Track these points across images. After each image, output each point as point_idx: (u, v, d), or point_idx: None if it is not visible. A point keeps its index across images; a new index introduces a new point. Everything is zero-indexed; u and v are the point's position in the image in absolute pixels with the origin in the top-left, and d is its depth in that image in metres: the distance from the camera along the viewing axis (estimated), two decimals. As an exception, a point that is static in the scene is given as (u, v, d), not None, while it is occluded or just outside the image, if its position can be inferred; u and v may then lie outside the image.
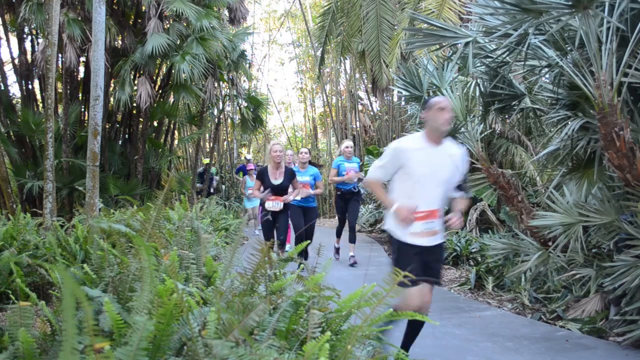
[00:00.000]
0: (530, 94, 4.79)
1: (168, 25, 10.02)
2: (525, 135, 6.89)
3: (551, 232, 4.10)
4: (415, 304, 2.65)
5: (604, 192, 3.87)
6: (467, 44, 4.23)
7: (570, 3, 3.38)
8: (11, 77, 10.64)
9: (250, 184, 9.53)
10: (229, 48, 10.90)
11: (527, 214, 4.56)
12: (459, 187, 2.86)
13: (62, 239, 4.50)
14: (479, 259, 6.34)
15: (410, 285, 2.06)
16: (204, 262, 2.46)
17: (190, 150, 17.05)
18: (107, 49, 8.22)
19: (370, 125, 16.05)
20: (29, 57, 9.94)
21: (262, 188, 5.40)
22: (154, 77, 10.73)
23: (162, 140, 12.07)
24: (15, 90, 11.20)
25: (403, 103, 11.03)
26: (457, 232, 7.47)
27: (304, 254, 7.32)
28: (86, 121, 8.99)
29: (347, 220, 6.83)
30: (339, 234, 7.07)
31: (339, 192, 6.83)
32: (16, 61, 9.88)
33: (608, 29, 3.53)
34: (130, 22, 10.61)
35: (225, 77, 12.11)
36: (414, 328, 2.88)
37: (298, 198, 5.73)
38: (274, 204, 5.32)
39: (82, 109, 10.17)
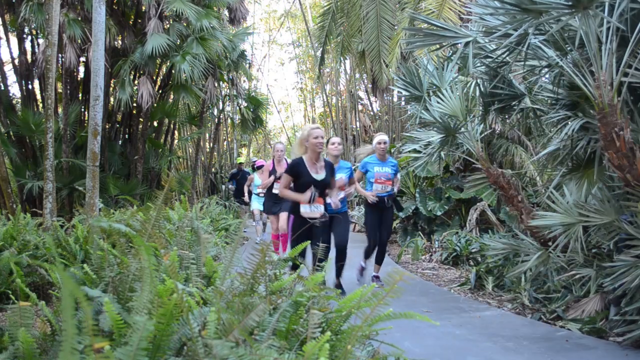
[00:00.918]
0: (530, 94, 4.79)
1: (168, 26, 10.03)
2: (525, 135, 6.89)
3: (551, 232, 4.10)
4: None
5: (604, 192, 3.87)
6: (467, 44, 4.23)
7: (570, 3, 3.38)
8: (11, 77, 10.67)
9: (259, 182, 8.62)
10: (229, 48, 10.91)
11: (527, 214, 4.56)
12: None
13: (62, 239, 4.50)
14: (479, 259, 6.34)
15: None
16: (204, 262, 2.46)
17: (190, 150, 17.06)
18: (107, 49, 8.22)
19: (370, 126, 16.04)
20: (29, 57, 9.94)
21: (292, 185, 4.20)
22: (154, 77, 10.73)
23: (162, 140, 12.07)
24: (15, 90, 11.23)
25: (403, 103, 11.04)
26: (457, 232, 7.47)
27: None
28: (86, 121, 8.99)
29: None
30: (368, 254, 5.54)
31: (370, 201, 5.32)
32: (16, 61, 9.88)
33: (608, 29, 3.53)
34: (130, 22, 10.61)
35: (225, 77, 12.11)
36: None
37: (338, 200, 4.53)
38: (313, 208, 4.00)
39: (82, 109, 10.18)
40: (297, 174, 4.11)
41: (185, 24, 10.03)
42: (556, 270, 4.34)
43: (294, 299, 1.85)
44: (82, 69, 10.37)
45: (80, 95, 10.40)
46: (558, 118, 4.46)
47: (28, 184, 8.76)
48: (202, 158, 16.34)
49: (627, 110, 3.83)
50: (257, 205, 8.85)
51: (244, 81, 15.89)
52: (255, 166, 9.30)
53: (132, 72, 9.98)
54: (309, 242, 2.89)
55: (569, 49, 3.92)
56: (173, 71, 9.61)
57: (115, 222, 2.19)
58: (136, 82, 10.09)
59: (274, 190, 6.31)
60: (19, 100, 10.61)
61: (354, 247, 5.50)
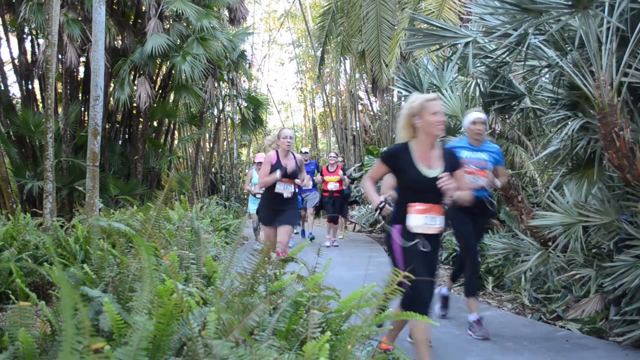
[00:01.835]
0: (530, 94, 4.79)
1: (168, 26, 10.03)
2: (525, 135, 6.89)
3: (551, 232, 4.10)
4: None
5: (604, 192, 3.87)
6: (467, 44, 4.23)
7: (570, 3, 3.38)
8: (11, 77, 10.66)
9: (257, 179, 7.57)
10: (229, 48, 10.91)
11: (527, 214, 4.56)
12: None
13: (62, 239, 4.50)
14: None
15: None
16: (204, 262, 2.46)
17: (190, 150, 17.06)
18: (107, 49, 8.22)
19: (370, 126, 16.05)
20: (29, 57, 9.94)
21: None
22: (154, 77, 10.74)
23: (162, 141, 12.07)
24: (15, 90, 11.22)
25: (403, 103, 11.04)
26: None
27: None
28: (86, 121, 8.99)
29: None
30: (455, 277, 4.42)
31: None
32: (16, 61, 9.88)
33: (608, 29, 3.53)
34: (130, 22, 10.61)
35: (225, 77, 12.12)
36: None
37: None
38: (431, 220, 2.70)
39: (82, 109, 10.18)
40: (400, 166, 2.73)
41: (185, 24, 10.03)
42: (556, 270, 4.34)
43: (294, 299, 1.85)
44: (82, 69, 10.37)
45: (80, 95, 10.40)
46: (558, 118, 4.46)
47: (28, 184, 8.76)
48: (202, 158, 16.35)
49: (627, 110, 3.83)
50: (253, 207, 7.81)
51: (244, 81, 15.89)
52: (255, 162, 8.50)
53: (132, 72, 9.98)
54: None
55: (569, 49, 3.92)
56: (173, 71, 9.61)
57: (115, 222, 2.19)
58: (136, 82, 10.09)
59: (279, 190, 4.79)
60: (19, 100, 10.61)
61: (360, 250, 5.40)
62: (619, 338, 3.54)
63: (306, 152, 9.52)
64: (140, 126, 10.76)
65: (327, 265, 2.45)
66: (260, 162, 7.42)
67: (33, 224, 5.38)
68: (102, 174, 8.80)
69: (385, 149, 10.98)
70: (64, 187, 9.05)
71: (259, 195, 7.17)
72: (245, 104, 12.92)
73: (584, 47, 3.72)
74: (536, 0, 3.41)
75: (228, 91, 13.34)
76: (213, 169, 16.94)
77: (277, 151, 4.93)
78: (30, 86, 10.13)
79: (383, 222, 5.16)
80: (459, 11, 9.38)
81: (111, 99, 10.25)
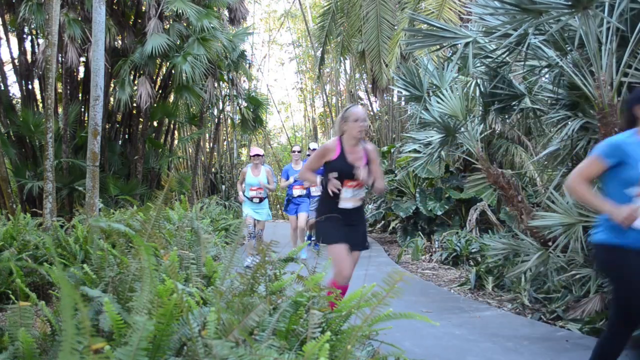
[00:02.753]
0: (530, 94, 4.79)
1: (168, 26, 10.03)
2: (525, 135, 6.89)
3: (551, 232, 4.10)
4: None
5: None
6: (467, 44, 4.24)
7: (570, 3, 3.38)
8: (11, 77, 10.66)
9: (253, 180, 6.58)
10: (229, 48, 10.92)
11: (527, 214, 4.56)
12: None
13: (62, 239, 4.50)
14: (479, 259, 6.34)
15: None
16: (204, 262, 2.46)
17: (190, 150, 17.06)
18: (107, 49, 8.22)
19: (370, 125, 16.03)
20: (29, 57, 9.94)
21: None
22: (154, 77, 10.74)
23: (162, 141, 12.07)
24: (15, 90, 11.22)
25: (403, 103, 11.04)
26: (457, 232, 7.47)
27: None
28: (86, 121, 8.99)
29: None
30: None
31: None
32: (16, 61, 9.88)
33: (608, 29, 3.53)
34: (130, 22, 10.61)
35: (225, 77, 12.12)
36: None
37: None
38: None
39: (82, 109, 10.18)
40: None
41: (185, 24, 10.03)
42: (556, 270, 4.34)
43: (294, 299, 1.85)
44: (82, 69, 10.37)
45: (80, 95, 10.40)
46: (558, 118, 4.46)
47: (28, 184, 8.76)
48: (202, 158, 16.34)
49: (627, 110, 3.82)
50: (249, 210, 6.63)
51: (244, 81, 15.89)
52: (251, 155, 6.97)
53: (132, 72, 9.98)
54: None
55: (569, 49, 3.92)
56: (174, 71, 9.61)
57: (115, 222, 2.19)
58: (136, 82, 10.09)
59: (345, 200, 3.28)
60: (19, 100, 10.61)
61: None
62: (619, 338, 3.54)
63: (315, 149, 8.62)
64: (140, 126, 10.76)
65: (327, 266, 2.45)
66: (257, 155, 6.65)
67: (33, 224, 5.39)
68: (102, 174, 8.80)
69: (385, 148, 10.99)
70: (64, 187, 9.05)
71: (256, 200, 6.60)
72: (245, 104, 12.92)
73: (584, 47, 3.72)
74: (536, 1, 3.41)
75: (228, 91, 13.34)
76: (213, 169, 16.94)
77: (340, 138, 3.34)
78: (30, 86, 10.13)
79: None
80: (459, 11, 9.38)
81: (111, 99, 10.25)
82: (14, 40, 10.01)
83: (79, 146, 9.62)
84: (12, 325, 1.72)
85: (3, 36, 9.89)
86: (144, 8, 10.00)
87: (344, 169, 3.25)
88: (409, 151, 5.96)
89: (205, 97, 10.68)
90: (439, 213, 8.14)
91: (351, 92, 15.97)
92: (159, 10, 9.46)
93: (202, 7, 10.00)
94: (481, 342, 3.59)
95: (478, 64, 4.88)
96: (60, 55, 9.06)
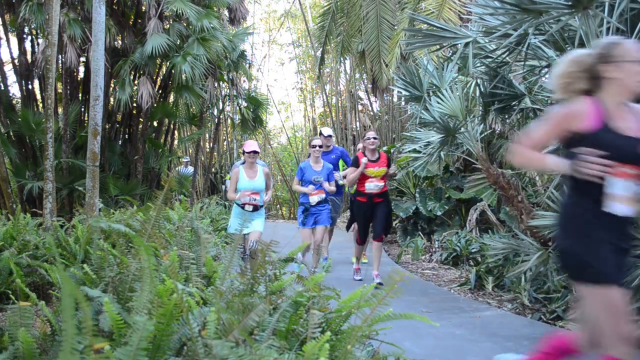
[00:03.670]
0: (530, 94, 4.79)
1: (168, 26, 10.03)
2: (525, 135, 6.87)
3: (551, 232, 4.10)
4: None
5: (604, 192, 3.86)
6: (467, 44, 4.24)
7: (570, 3, 3.38)
8: (11, 77, 10.66)
9: (247, 183, 5.23)
10: (229, 48, 10.91)
11: (527, 214, 4.56)
12: None
13: (62, 239, 4.51)
14: (479, 259, 6.34)
15: None
16: (204, 262, 2.46)
17: (190, 151, 17.06)
18: (107, 49, 8.22)
19: (370, 125, 16.03)
20: (29, 57, 9.94)
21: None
22: (154, 77, 10.74)
23: (162, 141, 12.07)
24: (15, 90, 11.21)
25: (403, 103, 11.04)
26: (457, 232, 7.47)
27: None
28: (86, 121, 8.99)
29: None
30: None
31: None
32: (16, 61, 9.88)
33: (608, 29, 3.53)
34: (130, 22, 10.61)
35: (225, 77, 12.12)
36: None
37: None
38: None
39: (82, 109, 10.17)
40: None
41: (185, 24, 10.03)
42: (556, 270, 4.34)
43: (294, 299, 1.85)
44: (82, 69, 10.37)
45: (80, 95, 10.40)
46: (558, 118, 4.45)
47: (28, 184, 8.75)
48: (202, 158, 16.34)
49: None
50: (238, 223, 5.25)
51: (244, 81, 15.89)
52: (244, 151, 5.41)
53: (132, 72, 9.98)
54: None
55: (569, 49, 3.92)
56: (174, 71, 9.61)
57: (115, 222, 2.19)
58: (136, 82, 10.09)
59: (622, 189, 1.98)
60: (19, 100, 10.61)
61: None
62: (619, 338, 3.54)
63: (330, 136, 6.84)
64: (140, 126, 10.75)
65: (327, 266, 2.44)
66: (255, 152, 5.24)
67: (33, 224, 5.38)
68: (102, 174, 8.79)
69: (385, 148, 10.99)
70: (64, 187, 9.05)
71: (249, 208, 5.15)
72: (245, 104, 12.92)
73: (584, 47, 3.71)
74: (536, 1, 3.41)
75: (228, 91, 13.34)
76: (213, 169, 16.94)
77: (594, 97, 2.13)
78: (30, 86, 10.13)
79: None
80: (459, 11, 9.38)
81: (111, 99, 10.25)
82: (14, 40, 10.01)
83: (79, 146, 9.62)
84: (12, 325, 1.72)
85: (3, 36, 9.89)
86: (144, 8, 9.99)
87: (619, 146, 1.98)
88: (409, 151, 5.96)
89: (205, 97, 10.68)
90: (439, 213, 8.14)
91: (351, 92, 15.96)
92: (159, 10, 9.46)
93: (202, 7, 10.00)
94: (481, 342, 3.60)
95: (478, 64, 4.88)
96: (60, 55, 9.06)
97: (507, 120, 5.36)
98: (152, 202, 2.83)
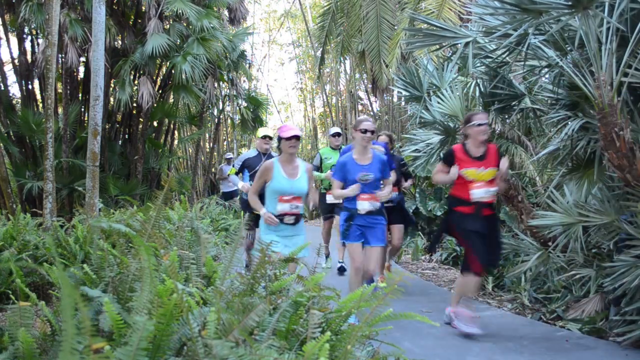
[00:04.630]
0: (530, 94, 4.79)
1: (168, 26, 10.03)
2: (525, 135, 6.88)
3: (551, 232, 4.10)
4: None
5: (604, 192, 3.87)
6: (467, 44, 4.23)
7: (570, 3, 3.37)
8: (11, 77, 10.67)
9: (286, 184, 3.61)
10: (229, 48, 10.92)
11: (527, 214, 4.56)
12: None
13: (62, 239, 4.50)
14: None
15: None
16: (204, 262, 2.46)
17: (190, 151, 17.06)
18: (107, 49, 8.22)
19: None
20: (29, 57, 9.94)
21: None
22: (154, 77, 10.74)
23: (162, 141, 12.08)
24: (15, 90, 11.23)
25: (403, 103, 11.04)
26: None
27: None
28: (86, 121, 8.99)
29: None
30: None
31: None
32: (16, 61, 9.89)
33: (608, 29, 3.53)
34: (130, 22, 10.61)
35: (225, 77, 12.12)
36: None
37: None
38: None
39: (82, 109, 10.18)
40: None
41: (185, 24, 10.03)
42: (556, 270, 4.34)
43: (294, 299, 1.85)
44: (82, 69, 10.37)
45: (80, 95, 10.40)
46: (558, 118, 4.46)
47: (28, 184, 8.76)
48: (202, 158, 16.34)
49: (627, 110, 3.83)
50: (278, 239, 3.37)
51: (244, 81, 15.90)
52: (278, 137, 3.81)
53: (132, 72, 9.98)
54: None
55: (569, 49, 3.92)
56: (173, 71, 9.62)
57: (115, 222, 2.19)
58: (136, 82, 10.09)
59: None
60: (19, 100, 10.62)
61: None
62: (619, 338, 3.54)
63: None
64: (140, 126, 10.76)
65: (327, 266, 2.44)
66: (297, 137, 3.57)
67: (33, 224, 5.38)
68: (102, 174, 8.80)
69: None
70: (64, 187, 9.05)
71: (290, 220, 3.58)
72: (245, 104, 12.93)
73: (584, 47, 3.71)
74: (536, 1, 3.41)
75: (228, 91, 13.34)
76: (213, 169, 16.94)
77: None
78: (30, 86, 10.14)
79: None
80: (459, 11, 9.38)
81: (111, 99, 10.26)
82: (14, 40, 10.02)
83: (79, 146, 9.62)
84: (12, 325, 1.72)
85: (3, 36, 9.90)
86: (144, 8, 10.00)
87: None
88: (409, 151, 5.95)
89: (204, 97, 10.68)
90: (439, 213, 8.13)
91: (351, 92, 15.97)
92: (159, 11, 9.46)
93: (202, 7, 10.01)
94: (481, 342, 3.59)
95: (478, 64, 4.88)
96: (60, 55, 9.06)
97: (507, 120, 5.36)
98: (152, 202, 2.84)
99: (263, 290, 2.04)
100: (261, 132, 5.48)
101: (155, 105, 10.40)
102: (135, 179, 10.31)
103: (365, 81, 15.22)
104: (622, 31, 3.59)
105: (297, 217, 3.62)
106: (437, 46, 4.83)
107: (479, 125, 3.72)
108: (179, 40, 9.81)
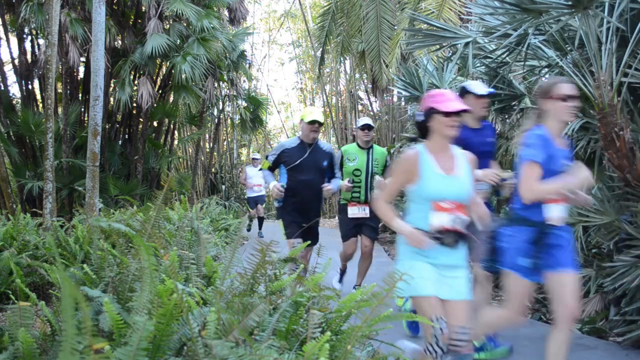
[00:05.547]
0: (530, 94, 4.79)
1: (168, 26, 10.03)
2: (525, 136, 6.88)
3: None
4: None
5: (604, 192, 3.87)
6: (466, 44, 4.23)
7: (570, 3, 3.37)
8: (11, 77, 10.67)
9: (445, 184, 2.34)
10: (229, 48, 10.92)
11: (527, 214, 4.55)
12: None
13: (62, 239, 4.50)
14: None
15: None
16: (204, 262, 2.46)
17: (190, 151, 17.06)
18: (107, 49, 8.22)
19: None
20: (29, 57, 9.94)
21: None
22: (154, 77, 10.74)
23: (162, 141, 12.08)
24: (15, 90, 11.23)
25: (403, 103, 11.04)
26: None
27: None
28: (86, 121, 8.99)
29: None
30: None
31: None
32: (16, 61, 9.89)
33: (608, 29, 3.53)
34: (130, 22, 10.61)
35: (225, 77, 12.12)
36: None
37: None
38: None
39: (82, 109, 10.18)
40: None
41: (185, 24, 10.03)
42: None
43: (294, 299, 1.85)
44: (82, 69, 10.37)
45: (80, 95, 10.40)
46: (558, 118, 4.45)
47: (28, 184, 8.75)
48: (202, 158, 16.34)
49: (627, 110, 3.83)
50: (432, 275, 2.34)
51: (244, 81, 15.89)
52: (427, 111, 2.42)
53: (132, 72, 9.98)
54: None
55: (569, 49, 3.92)
56: (173, 71, 9.61)
57: (115, 222, 2.19)
58: (136, 82, 10.09)
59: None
60: (19, 100, 10.62)
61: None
62: (619, 338, 3.55)
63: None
64: (140, 126, 10.76)
65: (327, 266, 2.45)
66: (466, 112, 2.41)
67: (33, 224, 5.38)
68: (102, 174, 8.80)
69: (385, 148, 10.98)
70: (64, 187, 9.05)
71: (450, 242, 2.33)
72: (245, 104, 12.93)
73: (584, 47, 3.71)
74: (536, 1, 3.41)
75: (228, 91, 13.34)
76: (213, 169, 16.94)
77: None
78: (30, 86, 10.13)
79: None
80: (459, 11, 9.38)
81: (111, 99, 10.26)
82: (14, 40, 10.02)
83: (79, 146, 9.62)
84: (12, 325, 1.72)
85: (3, 36, 9.90)
86: (144, 8, 9.99)
87: None
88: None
89: (204, 97, 10.68)
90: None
91: (351, 92, 15.97)
92: (159, 11, 9.46)
93: (202, 7, 10.00)
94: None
95: (478, 64, 4.88)
96: (60, 55, 9.06)
97: (507, 120, 5.36)
98: (152, 202, 2.84)
99: (263, 290, 2.04)
100: (309, 114, 4.06)
101: (155, 105, 10.40)
102: (135, 179, 10.31)
103: (365, 81, 15.22)
104: (622, 31, 3.60)
105: (460, 236, 2.36)
106: (437, 46, 4.84)
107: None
108: (179, 41, 9.81)
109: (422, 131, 2.44)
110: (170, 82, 10.51)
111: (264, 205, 10.73)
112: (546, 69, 4.46)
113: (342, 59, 14.26)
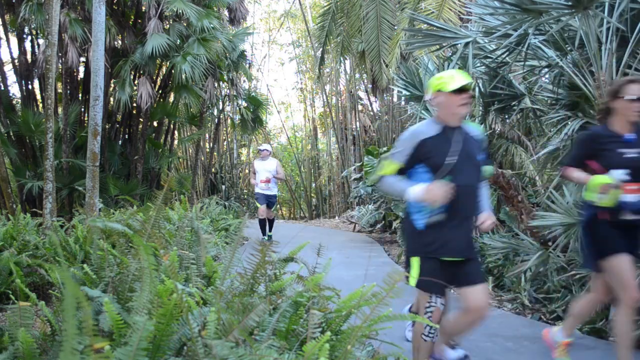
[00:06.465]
0: (530, 94, 4.79)
1: (168, 26, 10.03)
2: (525, 135, 6.89)
3: (551, 232, 4.10)
4: None
5: (604, 192, 3.87)
6: (466, 44, 4.24)
7: (570, 3, 3.37)
8: (11, 77, 10.67)
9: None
10: (229, 48, 10.92)
11: (527, 214, 4.56)
12: None
13: (62, 239, 4.51)
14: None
15: None
16: (204, 262, 2.46)
17: (190, 151, 17.06)
18: (107, 49, 8.23)
19: (370, 126, 16.04)
20: (29, 57, 9.95)
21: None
22: (154, 77, 10.74)
23: (162, 141, 12.08)
24: (15, 90, 11.24)
25: (403, 103, 11.04)
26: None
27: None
28: (86, 121, 9.00)
29: None
30: None
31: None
32: (16, 61, 9.89)
33: (608, 29, 3.53)
34: (130, 22, 10.62)
35: (225, 77, 12.12)
36: None
37: None
38: None
39: (82, 109, 10.18)
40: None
41: (185, 24, 10.03)
42: (556, 270, 4.34)
43: (294, 299, 1.85)
44: (82, 69, 10.38)
45: (80, 95, 10.41)
46: (558, 118, 4.46)
47: (28, 184, 8.75)
48: (202, 158, 16.33)
49: (627, 110, 3.82)
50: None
51: (244, 81, 15.89)
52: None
53: (132, 72, 9.99)
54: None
55: (569, 49, 3.92)
56: (174, 72, 9.61)
57: (114, 222, 2.19)
58: (136, 82, 10.10)
59: None
60: (19, 100, 10.62)
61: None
62: (619, 338, 3.54)
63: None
64: (140, 126, 10.76)
65: (327, 265, 2.45)
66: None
67: (33, 224, 5.38)
68: (102, 174, 8.80)
69: (385, 148, 10.98)
70: (64, 187, 9.05)
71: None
72: (245, 104, 12.93)
73: (584, 47, 3.72)
74: (536, 1, 3.41)
75: (228, 91, 13.34)
76: (213, 169, 16.94)
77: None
78: (30, 86, 10.14)
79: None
80: (459, 11, 9.38)
81: (111, 99, 10.26)
82: (14, 40, 10.03)
83: (79, 146, 9.62)
84: (12, 325, 1.72)
85: (3, 36, 9.90)
86: (144, 8, 10.00)
87: None
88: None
89: (205, 97, 10.68)
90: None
91: (351, 92, 15.97)
92: (159, 10, 9.46)
93: (202, 7, 10.00)
94: (481, 342, 3.59)
95: (478, 64, 4.88)
96: (60, 55, 9.06)
97: (507, 120, 5.36)
98: (152, 202, 2.84)
99: (263, 290, 2.04)
100: (450, 80, 2.42)
101: (155, 105, 10.40)
102: (135, 179, 10.32)
103: (365, 81, 15.22)
104: (622, 31, 3.60)
105: None
106: (437, 46, 4.84)
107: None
108: (179, 41, 9.81)
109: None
110: (170, 82, 10.51)
111: (273, 209, 9.03)
112: (546, 69, 4.46)
113: (342, 59, 14.26)
